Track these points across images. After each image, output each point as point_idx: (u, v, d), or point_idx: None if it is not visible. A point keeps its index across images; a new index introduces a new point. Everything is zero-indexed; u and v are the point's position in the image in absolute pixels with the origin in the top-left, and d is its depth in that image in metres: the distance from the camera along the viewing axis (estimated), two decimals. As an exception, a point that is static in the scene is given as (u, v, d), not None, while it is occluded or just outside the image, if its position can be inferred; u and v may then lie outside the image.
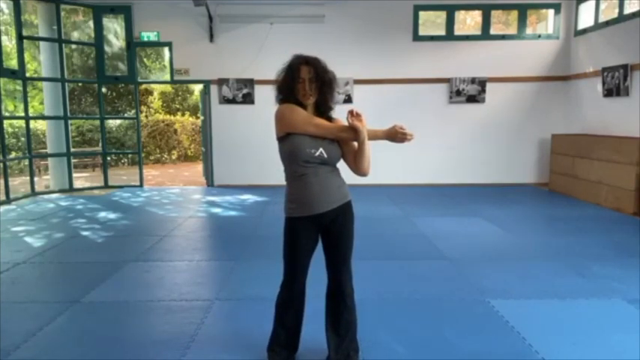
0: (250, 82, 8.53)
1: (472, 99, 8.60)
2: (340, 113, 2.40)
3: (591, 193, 6.97)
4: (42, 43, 8.56)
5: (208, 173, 8.96)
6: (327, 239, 2.33)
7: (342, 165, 2.34)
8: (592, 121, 7.74)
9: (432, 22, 9.31)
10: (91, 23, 8.96)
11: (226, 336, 2.85)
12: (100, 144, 9.49)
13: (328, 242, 2.33)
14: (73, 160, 9.21)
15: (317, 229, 2.30)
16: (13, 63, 9.96)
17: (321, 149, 2.19)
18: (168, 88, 16.22)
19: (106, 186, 8.85)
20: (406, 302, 3.32)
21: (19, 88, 10.83)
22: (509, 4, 8.57)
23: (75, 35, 13.48)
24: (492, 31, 8.64)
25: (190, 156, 15.22)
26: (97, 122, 11.93)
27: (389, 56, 8.52)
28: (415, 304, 3.29)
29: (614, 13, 7.26)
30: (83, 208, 6.88)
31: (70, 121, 8.93)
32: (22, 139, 11.43)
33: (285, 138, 2.23)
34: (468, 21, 10.22)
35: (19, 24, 7.68)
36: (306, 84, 2.19)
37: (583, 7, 8.14)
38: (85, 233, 5.37)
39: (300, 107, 2.23)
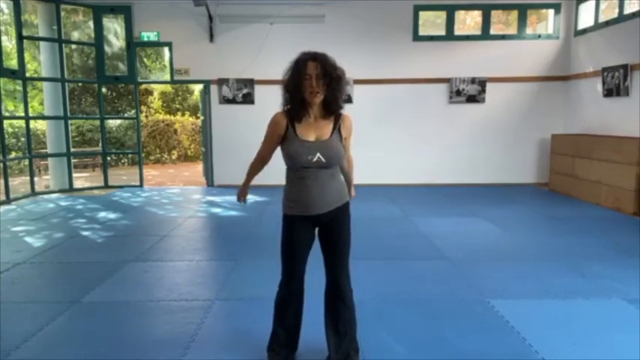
0: (250, 82, 8.53)
1: (472, 99, 8.60)
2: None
3: (591, 193, 6.97)
4: (42, 43, 8.56)
5: (208, 173, 8.96)
6: (324, 240, 2.33)
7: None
8: (592, 121, 7.74)
9: (432, 22, 9.31)
10: (91, 23, 8.97)
11: (226, 336, 2.85)
12: (100, 144, 9.49)
13: (325, 243, 2.33)
14: (73, 160, 9.21)
15: (313, 227, 2.31)
16: (13, 63, 9.96)
17: (318, 154, 2.16)
18: (168, 88, 16.22)
19: (106, 186, 8.85)
20: (406, 302, 3.31)
21: (19, 88, 10.83)
22: (509, 4, 8.57)
23: (75, 35, 13.48)
24: (492, 31, 8.64)
25: (190, 156, 15.22)
26: (97, 122, 11.93)
27: (389, 56, 8.52)
28: (415, 304, 3.29)
29: (614, 13, 7.25)
30: (83, 208, 6.88)
31: (70, 121, 8.93)
32: (22, 139, 11.43)
33: (283, 143, 2.23)
34: (468, 21, 10.22)
35: (19, 24, 7.68)
36: (313, 80, 2.12)
37: (583, 7, 8.14)
38: (85, 233, 5.37)
39: (305, 107, 2.19)
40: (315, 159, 2.16)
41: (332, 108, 2.22)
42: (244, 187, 2.54)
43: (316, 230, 2.33)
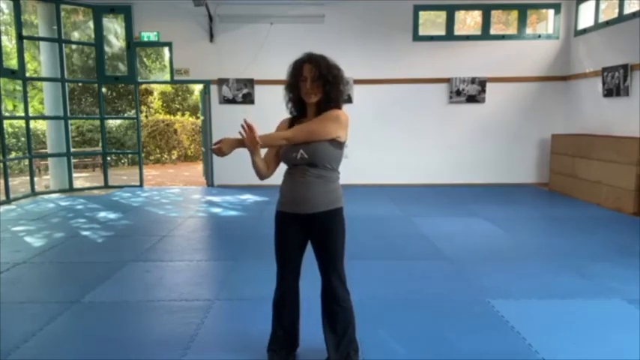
0: (250, 82, 8.53)
1: (472, 99, 8.60)
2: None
3: (591, 193, 6.97)
4: (42, 43, 8.56)
5: (208, 173, 8.96)
6: (314, 244, 2.33)
7: (342, 168, 2.34)
8: (592, 121, 7.74)
9: (432, 22, 9.32)
10: (91, 23, 8.95)
11: (226, 336, 2.85)
12: (100, 144, 9.49)
13: (315, 247, 2.33)
14: (73, 160, 9.21)
15: (302, 228, 2.31)
16: (13, 63, 9.95)
17: (300, 151, 2.19)
18: (168, 88, 16.23)
19: (106, 186, 8.85)
20: (406, 302, 3.31)
21: (19, 88, 10.83)
22: (509, 4, 8.57)
23: (75, 35, 13.48)
24: (492, 31, 8.64)
25: (190, 156, 15.22)
26: (97, 122, 11.94)
27: (389, 56, 8.52)
28: (415, 304, 3.29)
29: (614, 13, 7.25)
30: (83, 208, 6.88)
31: (70, 121, 8.93)
32: (22, 139, 11.44)
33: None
34: (468, 21, 10.23)
35: (19, 24, 7.68)
36: (307, 82, 2.17)
37: (583, 7, 8.14)
38: (85, 233, 5.37)
39: (303, 107, 2.28)
40: (298, 156, 2.20)
41: (322, 108, 2.24)
42: (253, 159, 2.24)
43: (307, 233, 2.33)
